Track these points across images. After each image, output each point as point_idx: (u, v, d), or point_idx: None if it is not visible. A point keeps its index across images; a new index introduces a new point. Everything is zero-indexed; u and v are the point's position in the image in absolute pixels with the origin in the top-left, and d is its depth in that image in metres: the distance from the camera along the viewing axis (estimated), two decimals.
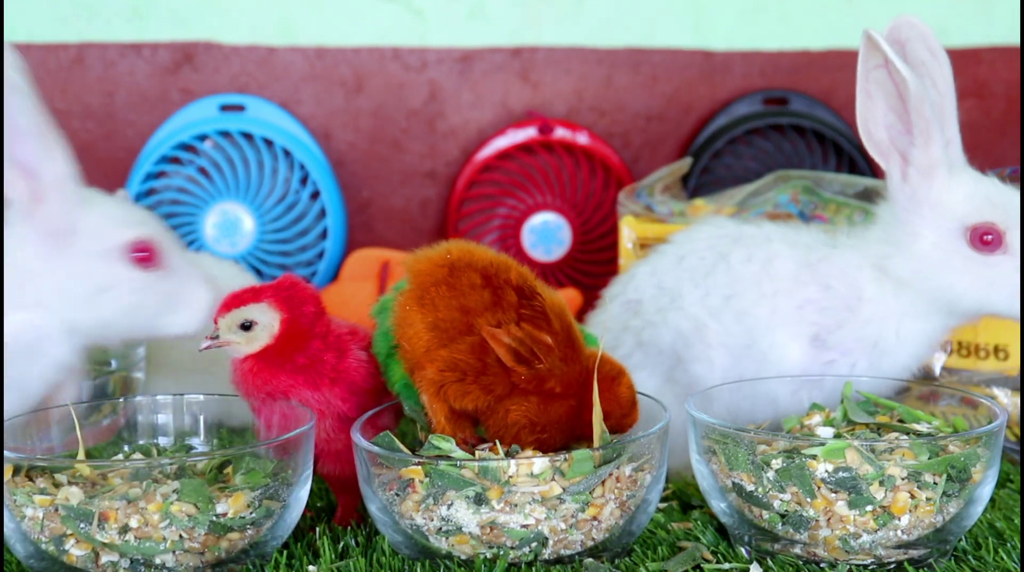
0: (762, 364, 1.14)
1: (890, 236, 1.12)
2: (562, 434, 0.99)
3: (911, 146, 1.09)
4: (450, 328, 0.97)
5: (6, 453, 0.94)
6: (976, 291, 1.09)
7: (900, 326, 1.12)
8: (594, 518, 0.93)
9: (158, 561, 0.90)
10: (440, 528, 0.92)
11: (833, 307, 1.13)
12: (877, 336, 1.12)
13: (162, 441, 1.08)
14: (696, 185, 1.79)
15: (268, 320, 1.01)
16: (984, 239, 1.08)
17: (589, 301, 1.56)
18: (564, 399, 0.98)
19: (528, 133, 1.78)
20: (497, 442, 0.99)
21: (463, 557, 0.93)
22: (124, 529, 0.89)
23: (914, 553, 0.95)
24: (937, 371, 1.35)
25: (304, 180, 1.75)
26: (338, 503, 1.08)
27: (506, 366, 0.96)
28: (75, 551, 0.90)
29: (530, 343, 0.95)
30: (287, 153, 1.74)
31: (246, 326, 1.01)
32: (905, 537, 0.93)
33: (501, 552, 0.92)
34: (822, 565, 0.95)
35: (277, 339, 1.01)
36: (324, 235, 1.74)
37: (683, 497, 1.14)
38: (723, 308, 1.15)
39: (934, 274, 1.10)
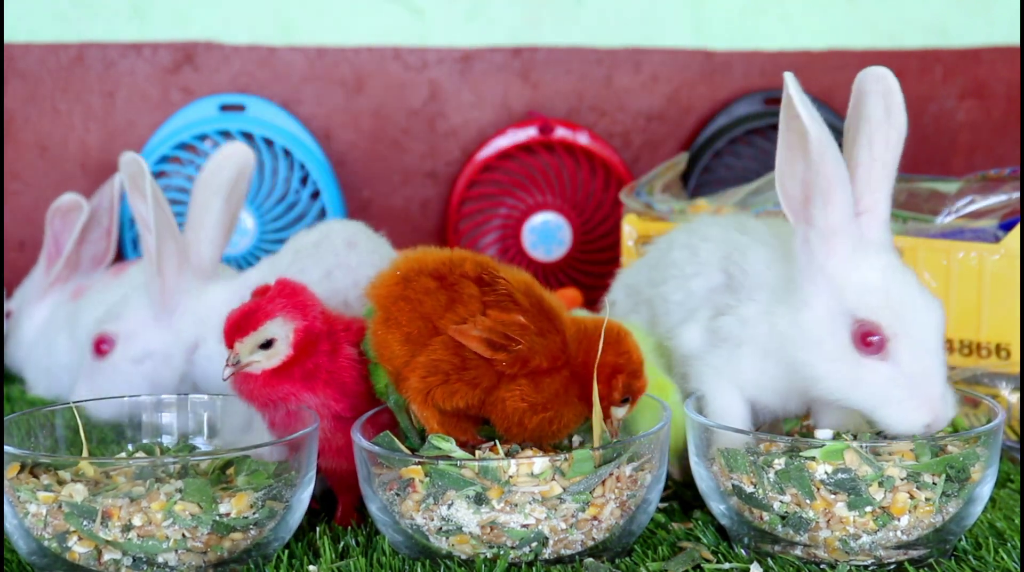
0: None
1: (784, 294, 1.02)
2: (568, 407, 0.97)
3: (811, 205, 0.97)
4: (420, 337, 0.97)
5: (11, 450, 0.94)
6: (836, 382, 0.97)
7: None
8: (594, 518, 0.93)
9: (160, 560, 0.90)
10: (440, 528, 0.92)
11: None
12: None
13: (165, 440, 1.08)
14: (697, 185, 1.79)
15: (285, 333, 1.00)
16: (866, 340, 0.96)
17: (590, 300, 1.56)
18: (555, 372, 0.97)
19: (528, 133, 1.78)
20: (497, 442, 0.99)
21: (463, 557, 0.93)
22: (127, 527, 0.89)
23: (914, 553, 0.95)
24: None
25: (304, 180, 1.75)
26: (338, 503, 1.09)
27: (486, 358, 0.96)
28: (78, 548, 0.90)
29: (501, 328, 0.95)
30: (287, 153, 1.75)
31: (266, 345, 1.00)
32: (905, 537, 0.93)
33: (501, 552, 0.92)
34: (822, 566, 0.95)
35: (295, 348, 1.01)
36: None
37: (683, 497, 1.14)
38: None
39: (802, 348, 0.99)
